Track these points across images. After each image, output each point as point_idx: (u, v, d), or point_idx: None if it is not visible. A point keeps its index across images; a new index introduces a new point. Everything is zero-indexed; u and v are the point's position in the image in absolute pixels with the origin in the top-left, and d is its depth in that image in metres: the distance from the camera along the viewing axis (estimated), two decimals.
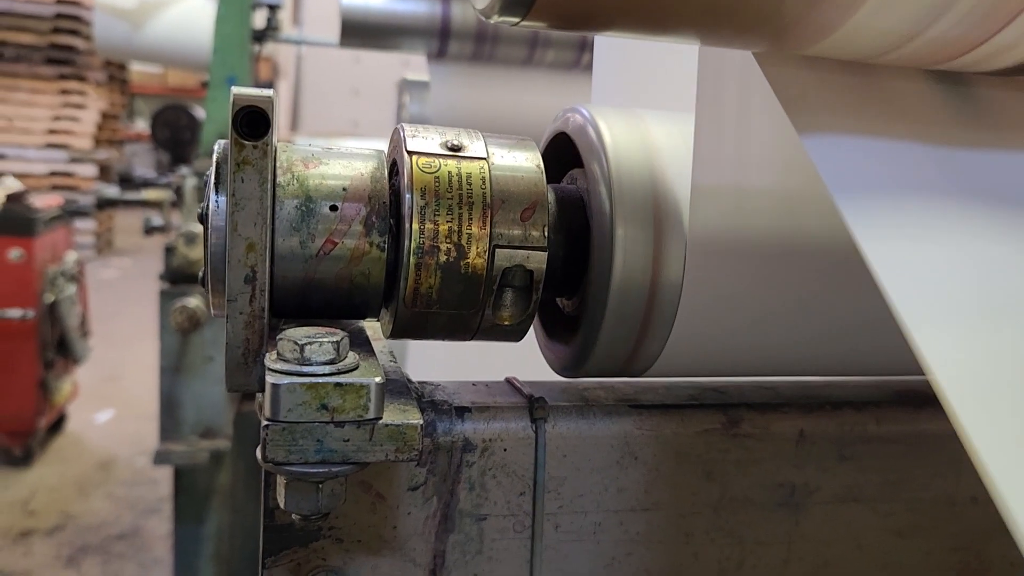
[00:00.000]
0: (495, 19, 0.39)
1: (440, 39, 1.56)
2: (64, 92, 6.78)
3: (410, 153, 0.48)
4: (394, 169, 0.50)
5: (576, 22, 0.41)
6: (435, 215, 0.47)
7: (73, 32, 6.67)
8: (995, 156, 0.42)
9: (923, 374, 0.34)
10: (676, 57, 0.60)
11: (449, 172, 0.48)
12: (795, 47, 0.41)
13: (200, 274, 0.48)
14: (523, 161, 0.50)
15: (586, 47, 1.57)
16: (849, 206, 0.38)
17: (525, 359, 0.61)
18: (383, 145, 0.54)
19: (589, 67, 1.41)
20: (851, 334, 0.55)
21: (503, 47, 1.56)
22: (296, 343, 0.42)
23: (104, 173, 6.95)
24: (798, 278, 0.52)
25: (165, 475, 2.83)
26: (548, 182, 0.51)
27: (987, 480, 0.30)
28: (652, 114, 0.55)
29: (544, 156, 0.55)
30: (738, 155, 0.49)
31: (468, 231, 0.47)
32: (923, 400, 0.59)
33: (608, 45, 0.71)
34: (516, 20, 0.38)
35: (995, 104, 0.45)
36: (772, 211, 0.50)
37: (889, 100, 0.43)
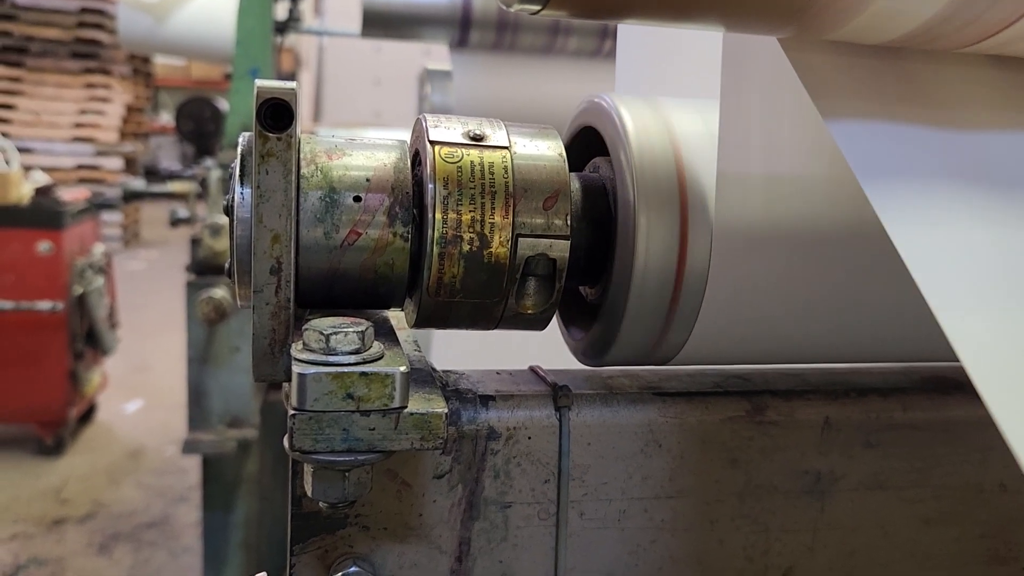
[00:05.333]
0: (516, 8, 0.39)
1: (461, 28, 1.56)
2: (89, 86, 6.84)
3: (432, 143, 0.48)
4: (417, 159, 0.51)
5: (597, 10, 0.41)
6: (458, 205, 0.47)
7: (98, 26, 6.73)
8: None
9: (950, 360, 0.33)
10: (700, 44, 0.60)
11: (471, 162, 0.48)
12: (820, 32, 0.40)
13: (226, 265, 0.49)
14: (545, 150, 0.50)
15: (608, 35, 1.56)
16: (877, 192, 0.38)
17: (549, 347, 0.61)
18: (406, 135, 0.54)
19: (611, 55, 1.40)
20: (878, 321, 0.54)
21: (524, 35, 1.55)
22: (322, 333, 0.43)
23: (130, 166, 7.01)
24: (825, 265, 0.51)
25: (194, 464, 2.86)
26: (571, 170, 0.51)
27: (1021, 463, 0.30)
28: (676, 102, 0.55)
29: (567, 145, 0.55)
30: (763, 142, 0.49)
31: (491, 220, 0.47)
32: (950, 386, 0.59)
33: (631, 32, 0.70)
34: (537, 8, 0.38)
35: None
36: (798, 198, 0.50)
37: (915, 84, 0.43)
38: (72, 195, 3.57)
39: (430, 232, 0.47)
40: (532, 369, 0.57)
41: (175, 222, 2.28)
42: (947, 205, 0.38)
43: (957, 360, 0.34)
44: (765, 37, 0.44)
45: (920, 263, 0.36)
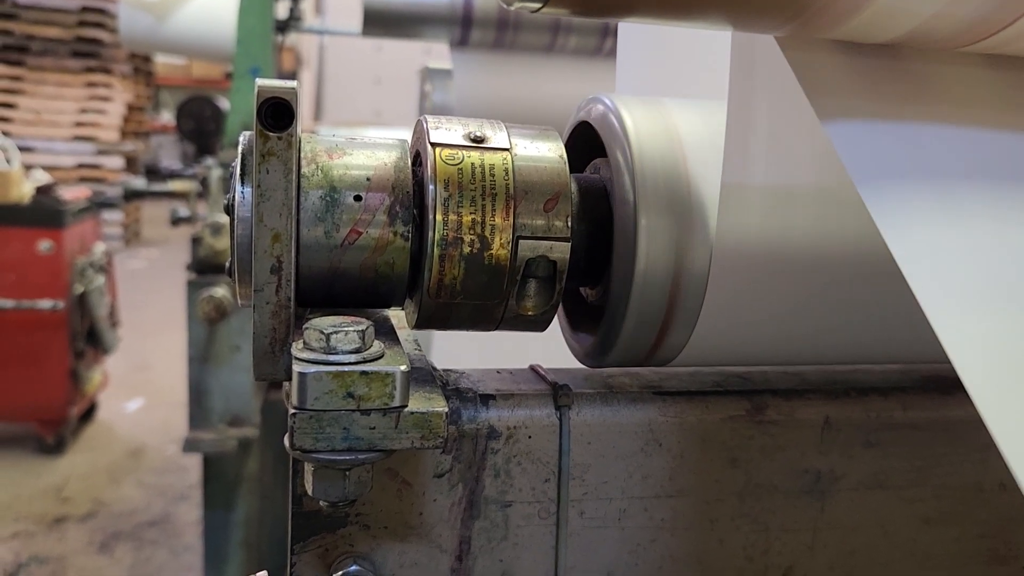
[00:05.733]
0: (516, 6, 0.39)
1: (462, 27, 1.56)
2: (90, 85, 6.84)
3: (433, 145, 0.48)
4: (417, 159, 0.51)
5: (597, 8, 0.41)
6: (458, 206, 0.47)
7: (98, 25, 6.73)
8: (1022, 140, 0.42)
9: (949, 360, 0.33)
10: (702, 44, 0.60)
11: (472, 164, 0.48)
12: (820, 30, 0.41)
13: (227, 264, 0.49)
14: (546, 151, 0.50)
15: (609, 33, 1.56)
16: (871, 193, 0.38)
17: (550, 347, 0.61)
18: (406, 134, 0.54)
19: (612, 53, 1.40)
20: (878, 324, 0.54)
21: (525, 34, 1.55)
22: (322, 332, 0.43)
23: (131, 165, 7.02)
24: (824, 269, 0.51)
25: (194, 463, 2.86)
26: (571, 172, 0.51)
27: (1011, 466, 0.30)
28: (676, 102, 0.55)
29: (567, 146, 0.55)
30: (767, 151, 0.49)
31: (491, 222, 0.47)
32: (950, 386, 0.59)
33: (632, 31, 0.70)
34: (538, 7, 0.38)
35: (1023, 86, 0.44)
36: (799, 204, 0.50)
37: (913, 83, 0.43)
38: (73, 194, 3.57)
39: (431, 234, 0.47)
40: (532, 368, 0.57)
41: (176, 221, 2.28)
42: (940, 206, 0.38)
43: None
44: (774, 48, 0.44)
45: (913, 264, 0.36)
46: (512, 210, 0.48)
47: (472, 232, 0.47)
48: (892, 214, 0.37)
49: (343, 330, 0.43)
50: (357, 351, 0.43)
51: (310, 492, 0.44)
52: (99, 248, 3.62)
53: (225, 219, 1.88)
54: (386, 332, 0.49)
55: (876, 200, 0.37)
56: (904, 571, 0.59)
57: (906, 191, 0.38)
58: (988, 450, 0.58)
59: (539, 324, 0.52)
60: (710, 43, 0.57)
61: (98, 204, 3.77)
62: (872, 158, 0.39)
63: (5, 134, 3.81)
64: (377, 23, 1.60)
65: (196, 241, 1.97)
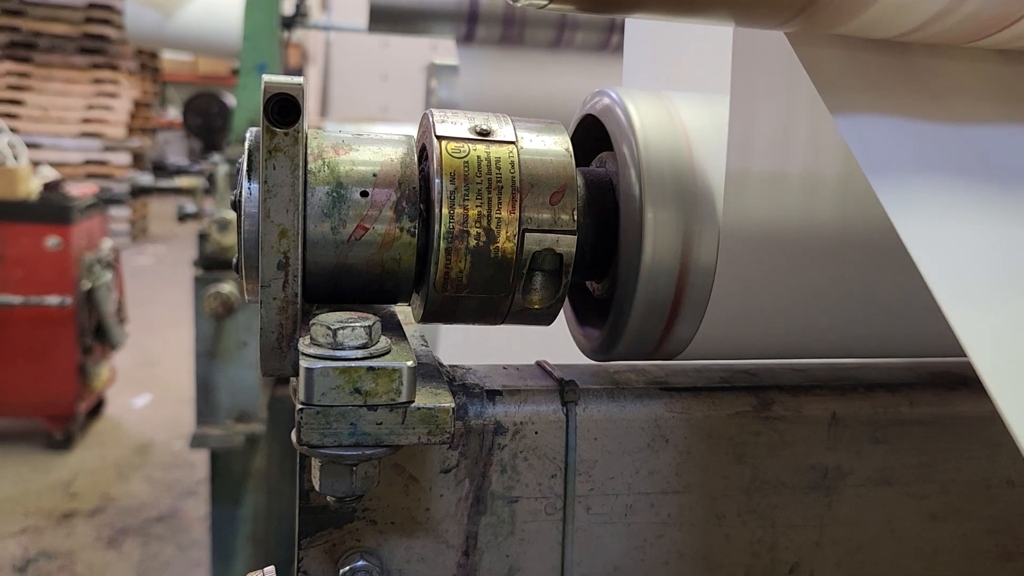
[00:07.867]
0: (523, 2, 0.39)
1: (468, 23, 1.55)
2: (97, 81, 6.86)
3: (439, 138, 0.48)
4: (423, 154, 0.51)
5: (603, 4, 0.41)
6: (464, 200, 0.47)
7: (105, 22, 6.75)
8: None
9: (957, 355, 0.33)
10: (707, 39, 0.60)
11: (478, 157, 0.48)
12: (828, 26, 0.40)
13: (234, 260, 0.49)
14: (552, 145, 0.50)
15: (615, 29, 1.56)
16: (884, 187, 0.38)
17: (557, 342, 0.61)
18: (412, 130, 0.54)
19: (619, 49, 1.40)
20: (885, 316, 0.54)
21: (531, 30, 1.55)
22: (329, 328, 0.43)
23: (137, 161, 7.04)
24: (832, 261, 0.51)
25: (202, 458, 2.87)
26: (577, 165, 0.51)
27: None
28: (682, 96, 0.55)
29: (573, 139, 0.55)
30: (772, 140, 0.49)
31: (497, 215, 0.47)
32: (957, 382, 0.59)
33: (639, 26, 0.70)
34: (544, 3, 0.38)
35: None
36: (806, 195, 0.50)
37: (924, 78, 0.43)
38: (80, 190, 3.59)
39: (437, 227, 0.47)
40: (539, 364, 0.57)
41: (182, 217, 2.28)
42: (954, 200, 0.38)
43: (964, 356, 0.34)
44: (775, 36, 0.44)
45: (927, 258, 0.35)
46: (518, 203, 0.48)
47: (478, 225, 0.47)
48: (905, 207, 0.37)
49: (350, 326, 0.43)
50: (364, 347, 0.43)
51: (317, 487, 0.44)
52: (106, 244, 3.63)
53: (232, 215, 1.88)
54: (393, 328, 0.49)
55: (889, 193, 0.37)
56: (911, 567, 0.58)
57: (919, 184, 0.38)
58: (995, 446, 0.58)
59: (545, 318, 0.52)
60: (716, 38, 0.56)
61: (105, 200, 3.78)
62: (884, 152, 0.39)
63: (12, 131, 3.82)
64: (384, 19, 1.60)
65: (203, 237, 1.97)
